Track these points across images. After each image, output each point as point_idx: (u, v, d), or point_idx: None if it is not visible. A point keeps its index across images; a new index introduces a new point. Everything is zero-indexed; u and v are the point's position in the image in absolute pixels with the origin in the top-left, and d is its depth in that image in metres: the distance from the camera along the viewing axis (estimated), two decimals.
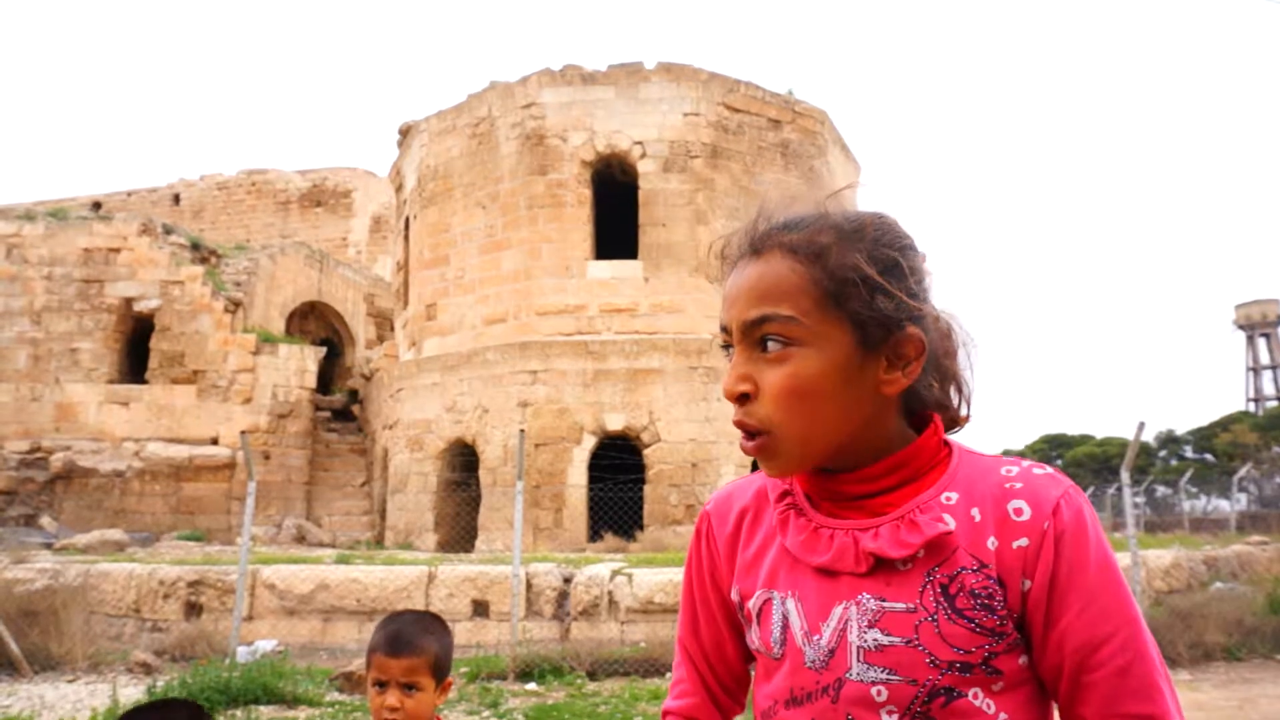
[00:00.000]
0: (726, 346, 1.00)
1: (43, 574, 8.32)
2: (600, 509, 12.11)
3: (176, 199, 30.03)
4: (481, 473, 13.03)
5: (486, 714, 5.97)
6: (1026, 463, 0.96)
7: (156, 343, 16.05)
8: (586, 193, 13.62)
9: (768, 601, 0.99)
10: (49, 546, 11.65)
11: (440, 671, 1.79)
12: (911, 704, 0.89)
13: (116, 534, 12.28)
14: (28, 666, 6.96)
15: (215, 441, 15.57)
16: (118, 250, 16.43)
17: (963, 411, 1.05)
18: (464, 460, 13.68)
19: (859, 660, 0.91)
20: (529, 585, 8.29)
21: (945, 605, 0.89)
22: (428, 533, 13.29)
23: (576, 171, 13.54)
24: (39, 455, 15.18)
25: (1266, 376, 64.37)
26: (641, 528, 12.18)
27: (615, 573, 8.42)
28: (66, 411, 15.70)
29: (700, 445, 12.51)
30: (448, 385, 13.66)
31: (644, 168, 13.50)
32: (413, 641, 1.76)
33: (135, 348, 16.53)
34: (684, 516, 12.21)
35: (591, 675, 7.01)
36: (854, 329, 0.93)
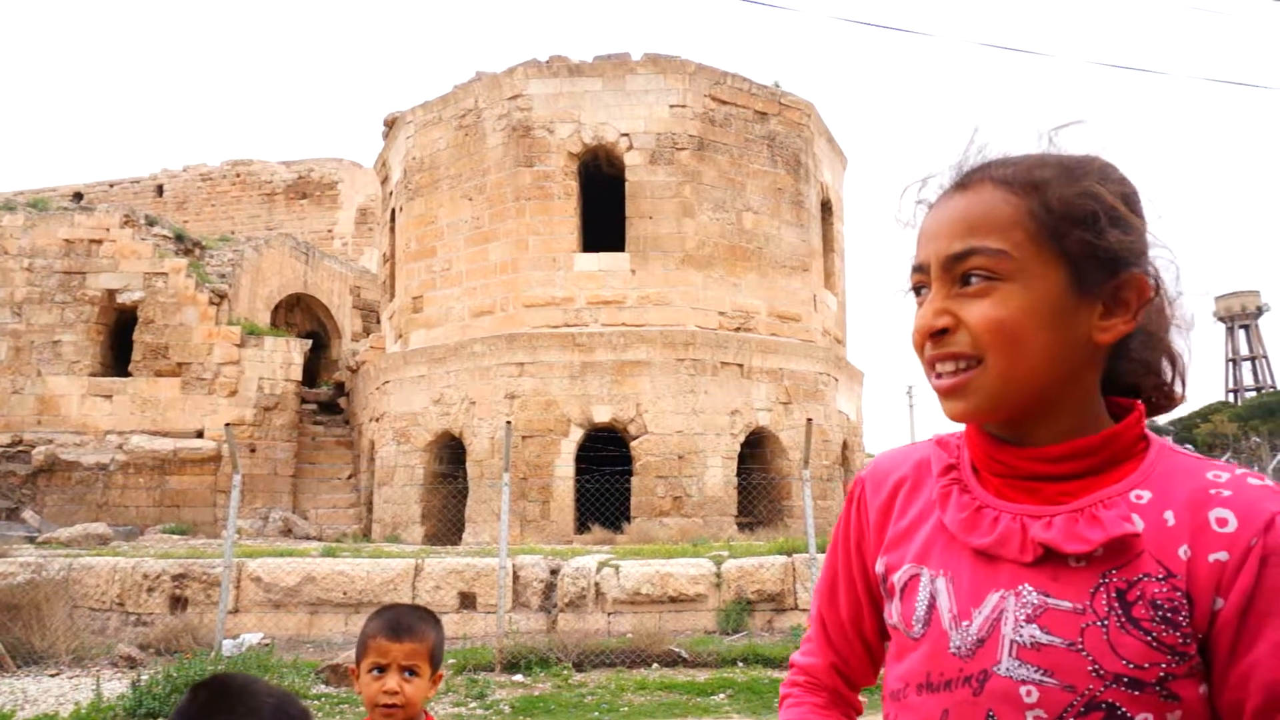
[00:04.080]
0: (917, 289, 0.93)
1: (25, 568, 8.26)
2: (587, 501, 12.14)
3: (160, 190, 29.72)
4: (469, 465, 13.02)
5: (473, 705, 6.00)
6: (1241, 470, 0.86)
7: (140, 335, 15.90)
8: (573, 184, 13.58)
9: (915, 577, 0.93)
10: (31, 540, 11.56)
11: (435, 660, 1.82)
12: (1064, 713, 0.81)
13: (100, 527, 12.19)
14: (10, 661, 6.92)
15: (200, 434, 15.47)
16: (100, 241, 16.25)
17: (1177, 388, 0.95)
18: (451, 453, 13.66)
19: (1010, 655, 0.84)
20: (516, 577, 8.31)
21: (1120, 612, 0.81)
22: (415, 525, 13.28)
23: (563, 163, 13.50)
24: (20, 448, 15.03)
25: (1246, 367, 65.13)
26: (629, 519, 12.22)
27: (602, 564, 8.44)
28: (49, 404, 15.55)
29: (687, 437, 12.54)
30: (435, 378, 13.63)
31: (631, 160, 13.48)
32: (414, 627, 1.79)
33: (118, 340, 16.38)
34: (671, 508, 12.26)
35: (578, 666, 7.05)
36: (1069, 267, 0.86)
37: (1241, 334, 65.79)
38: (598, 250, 13.52)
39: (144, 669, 6.50)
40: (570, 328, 13.00)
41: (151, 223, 17.04)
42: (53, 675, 6.79)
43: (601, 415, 12.61)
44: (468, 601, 8.32)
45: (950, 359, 0.88)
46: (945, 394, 0.89)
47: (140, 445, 15.03)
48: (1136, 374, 0.94)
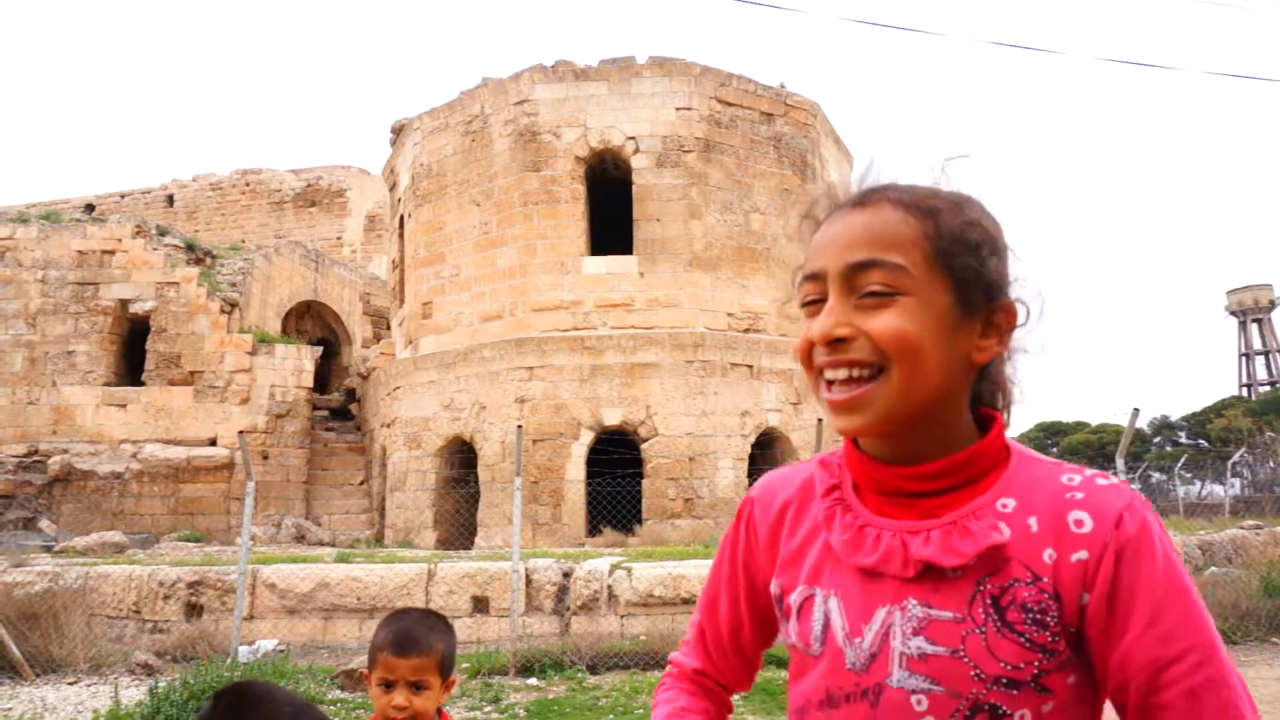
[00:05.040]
0: (812, 302, 0.95)
1: (42, 577, 8.34)
2: (598, 504, 12.14)
3: (170, 200, 29.94)
4: (480, 469, 13.06)
5: (488, 709, 6.01)
6: (1090, 471, 0.92)
7: (153, 344, 16.03)
8: (580, 189, 13.61)
9: (809, 598, 0.97)
10: (48, 549, 11.66)
11: (446, 669, 1.80)
12: (952, 717, 0.86)
13: (116, 536, 12.28)
14: (29, 669, 6.98)
15: (213, 442, 15.56)
16: (112, 252, 16.39)
17: (1005, 416, 1.01)
18: (462, 457, 13.70)
19: (901, 667, 0.89)
20: (528, 581, 8.32)
21: (995, 618, 0.86)
22: (427, 530, 13.32)
23: (570, 167, 13.53)
24: (36, 458, 15.16)
25: (1259, 361, 64.59)
26: (640, 522, 12.22)
27: (614, 567, 8.45)
28: (63, 414, 15.69)
29: (697, 439, 12.54)
30: (445, 383, 13.67)
31: (637, 163, 13.50)
32: (420, 641, 1.76)
33: (131, 350, 16.51)
34: (682, 510, 12.25)
35: (592, 669, 7.05)
36: (956, 289, 0.91)
37: (1254, 328, 65.24)
38: (605, 253, 13.54)
39: (161, 676, 6.54)
40: (579, 331, 13.02)
41: (163, 233, 17.17)
42: (71, 683, 6.85)
43: (611, 418, 12.63)
44: (481, 605, 8.35)
45: (846, 365, 0.90)
46: (842, 408, 0.91)
47: (154, 454, 15.14)
48: (990, 394, 1.00)
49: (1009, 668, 0.85)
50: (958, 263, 0.91)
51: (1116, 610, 0.84)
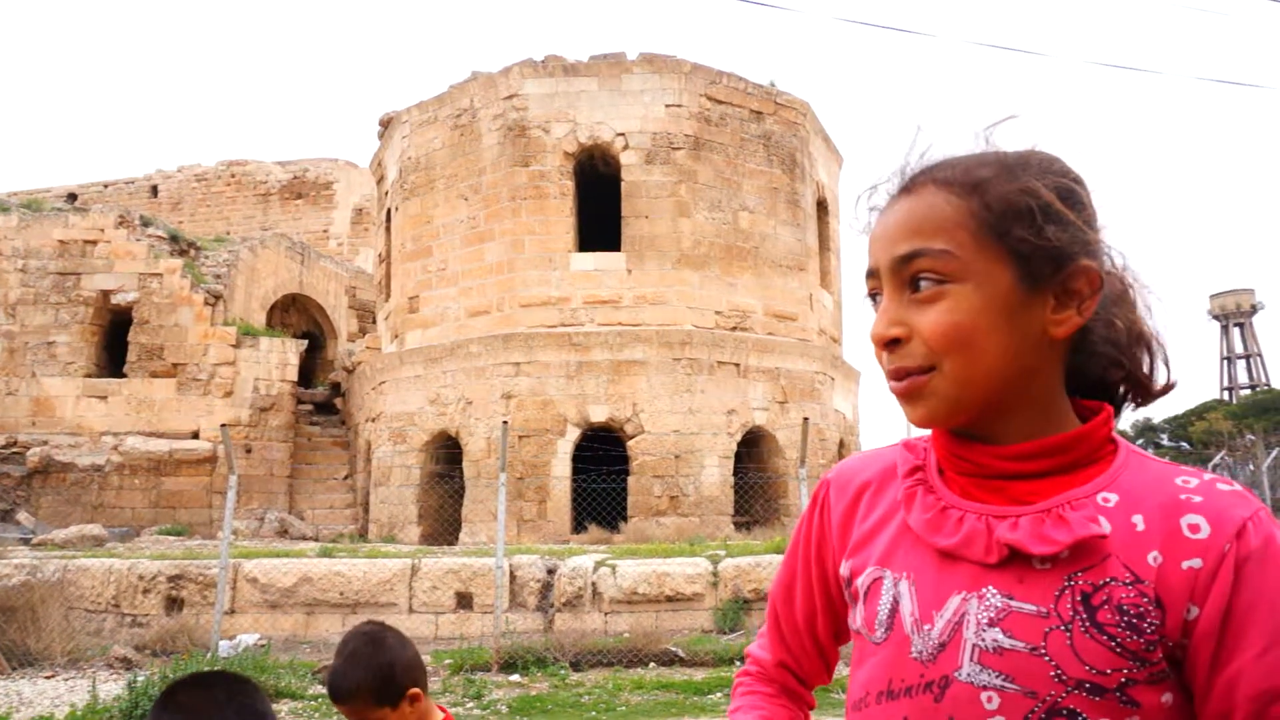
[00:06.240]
0: (874, 296, 0.93)
1: (20, 570, 8.24)
2: (584, 500, 12.14)
3: (154, 190, 29.63)
4: (465, 465, 13.01)
5: (470, 705, 6.00)
6: (1210, 475, 0.84)
7: (135, 336, 15.86)
8: (569, 184, 13.58)
9: (878, 580, 0.91)
10: (26, 542, 11.52)
11: (391, 692, 1.75)
12: (1026, 719, 0.79)
13: (95, 529, 12.15)
14: (5, 663, 6.90)
15: (196, 435, 15.43)
16: (94, 242, 16.20)
17: (1160, 376, 0.93)
18: (447, 453, 13.65)
19: (972, 660, 0.82)
20: (513, 577, 8.31)
21: (1084, 616, 0.79)
22: (411, 525, 13.26)
23: (559, 163, 13.49)
24: (15, 450, 14.98)
25: (1240, 365, 65.36)
26: (625, 519, 12.22)
27: (599, 564, 8.45)
28: (43, 405, 15.50)
29: (684, 436, 12.55)
30: (430, 378, 13.62)
31: (626, 159, 13.48)
32: (344, 686, 1.74)
33: (113, 341, 16.33)
34: (667, 507, 12.26)
35: (575, 666, 7.05)
36: (1016, 263, 0.85)
37: (1236, 332, 66.00)
38: (594, 250, 13.52)
39: (139, 670, 6.48)
40: (566, 327, 13.00)
41: (146, 223, 17.00)
42: (48, 677, 6.77)
43: (598, 415, 12.61)
44: (465, 601, 8.32)
45: (905, 374, 0.87)
46: (903, 397, 0.88)
47: (135, 446, 14.99)
48: (1102, 367, 0.92)
49: (1094, 672, 0.78)
50: (1012, 236, 0.85)
51: (1230, 629, 0.77)
